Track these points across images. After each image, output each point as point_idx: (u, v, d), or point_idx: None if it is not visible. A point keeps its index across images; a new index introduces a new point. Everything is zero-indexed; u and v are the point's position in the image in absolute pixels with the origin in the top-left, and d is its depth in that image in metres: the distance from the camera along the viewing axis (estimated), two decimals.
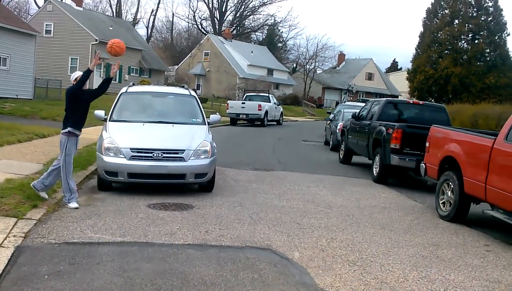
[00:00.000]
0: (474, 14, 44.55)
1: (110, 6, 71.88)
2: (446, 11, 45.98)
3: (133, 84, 10.71)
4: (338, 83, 69.31)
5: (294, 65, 76.59)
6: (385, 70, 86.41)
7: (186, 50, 70.34)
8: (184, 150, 8.41)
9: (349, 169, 14.01)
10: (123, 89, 10.10)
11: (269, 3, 76.59)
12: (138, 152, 8.23)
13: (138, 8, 78.51)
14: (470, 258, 6.17)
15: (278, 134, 24.79)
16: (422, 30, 47.17)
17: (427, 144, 9.39)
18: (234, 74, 58.08)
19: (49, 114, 21.97)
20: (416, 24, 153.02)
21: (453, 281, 5.27)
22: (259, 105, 28.88)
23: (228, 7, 75.09)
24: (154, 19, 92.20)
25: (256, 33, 79.74)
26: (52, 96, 30.81)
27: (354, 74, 71.01)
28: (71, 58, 42.58)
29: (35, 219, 6.40)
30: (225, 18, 75.31)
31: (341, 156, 15.50)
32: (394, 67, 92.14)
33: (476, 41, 44.33)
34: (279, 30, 78.35)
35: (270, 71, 62.02)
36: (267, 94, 32.25)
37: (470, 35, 44.88)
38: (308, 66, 66.62)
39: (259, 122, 29.45)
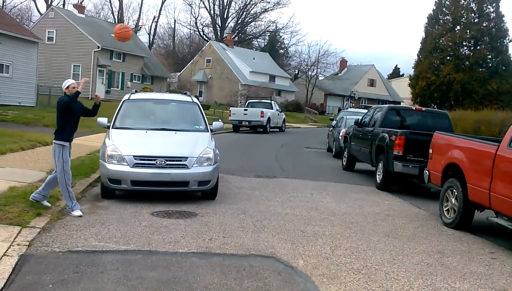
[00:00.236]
0: (476, 20, 44.50)
1: (112, 13, 72.21)
2: (447, 17, 45.91)
3: (136, 91, 10.73)
4: (340, 89, 69.35)
5: (296, 72, 76.71)
6: (387, 77, 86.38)
7: (188, 57, 70.44)
8: (187, 157, 8.41)
9: (352, 176, 13.99)
10: (126, 96, 10.11)
11: (271, 10, 76.78)
12: (141, 159, 8.22)
13: (140, 15, 79.10)
14: (475, 265, 6.15)
15: (281, 141, 24.78)
16: (424, 36, 47.08)
17: (430, 151, 9.37)
18: (236, 81, 58.12)
19: (51, 121, 21.89)
20: (417, 30, 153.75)
21: (459, 289, 5.25)
22: (262, 112, 28.84)
23: (230, 13, 75.43)
24: (156, 26, 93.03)
25: (258, 39, 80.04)
26: (54, 104, 30.59)
27: (356, 80, 71.02)
28: (74, 65, 42.63)
29: (39, 227, 6.40)
30: (226, 24, 75.54)
31: (344, 163, 15.48)
32: (396, 73, 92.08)
33: (478, 48, 44.25)
34: (281, 36, 78.59)
35: (272, 77, 62.03)
36: (269, 101, 32.29)
37: (471, 41, 44.79)
38: (310, 73, 66.65)
39: (262, 129, 29.45)
